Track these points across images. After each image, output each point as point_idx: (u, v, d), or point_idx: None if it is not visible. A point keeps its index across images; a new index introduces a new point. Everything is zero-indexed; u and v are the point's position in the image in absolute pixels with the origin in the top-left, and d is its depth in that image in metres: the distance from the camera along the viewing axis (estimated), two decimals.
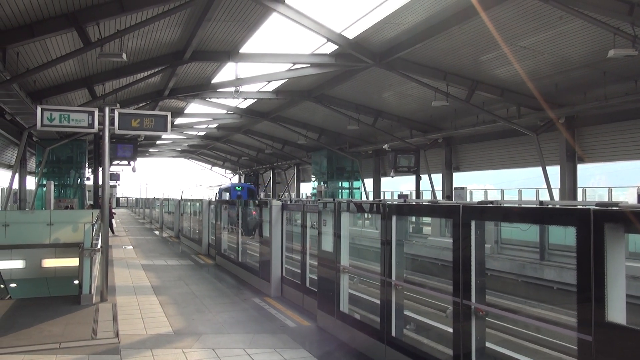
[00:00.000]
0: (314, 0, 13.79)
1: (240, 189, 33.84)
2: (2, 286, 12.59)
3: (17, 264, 15.22)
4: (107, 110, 9.09)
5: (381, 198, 29.09)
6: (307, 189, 41.00)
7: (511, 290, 12.83)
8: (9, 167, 26.87)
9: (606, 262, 3.62)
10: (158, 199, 37.95)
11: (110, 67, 16.78)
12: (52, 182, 22.66)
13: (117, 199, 75.00)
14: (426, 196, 25.59)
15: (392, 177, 25.15)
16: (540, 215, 4.71)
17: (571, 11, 11.20)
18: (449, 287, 6.52)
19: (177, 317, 8.40)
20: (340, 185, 33.39)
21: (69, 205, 26.20)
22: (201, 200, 18.43)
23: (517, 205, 4.91)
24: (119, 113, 9.20)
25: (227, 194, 32.38)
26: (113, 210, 27.07)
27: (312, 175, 35.14)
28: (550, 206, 4.78)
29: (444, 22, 13.47)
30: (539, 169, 18.72)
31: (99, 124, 9.08)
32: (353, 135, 28.84)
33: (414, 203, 7.13)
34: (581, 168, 18.37)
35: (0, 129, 19.09)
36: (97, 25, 12.26)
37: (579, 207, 4.07)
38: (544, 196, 19.63)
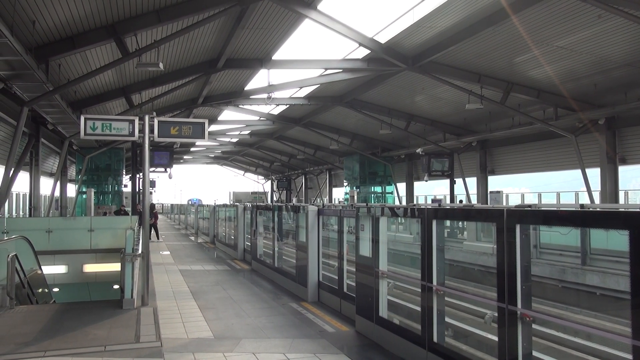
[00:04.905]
0: (345, 5, 13.86)
1: (196, 199, 58.49)
2: (47, 290, 12.97)
3: (60, 269, 15.69)
4: (147, 118, 9.29)
5: (415, 202, 28.85)
6: (340, 194, 41.00)
7: (552, 296, 12.52)
8: (50, 175, 27.76)
9: None
10: (193, 204, 38.62)
11: (146, 76, 17.19)
12: (92, 190, 23.26)
13: (153, 205, 76.58)
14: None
15: (426, 181, 24.91)
16: (589, 218, 4.58)
17: (610, 9, 10.93)
18: (488, 292, 6.40)
19: (217, 321, 8.50)
20: (372, 190, 33.28)
21: (107, 211, 26.85)
22: (236, 205, 18.63)
23: (567, 209, 4.79)
24: (159, 121, 9.39)
25: (191, 202, 53.02)
26: (158, 215, 27.46)
27: (345, 180, 35.13)
28: (597, 209, 4.66)
29: (477, 24, 13.33)
30: (578, 172, 18.26)
31: (139, 132, 9.29)
32: (385, 140, 28.74)
33: (453, 207, 7.03)
34: (622, 170, 17.84)
35: (42, 138, 19.72)
36: (134, 36, 12.60)
37: (633, 210, 3.95)
38: (584, 199, 19.14)
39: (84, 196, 27.24)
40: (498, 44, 14.59)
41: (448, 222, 15.65)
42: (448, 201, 24.39)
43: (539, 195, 23.14)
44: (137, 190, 24.99)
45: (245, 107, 24.89)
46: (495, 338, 5.16)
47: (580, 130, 17.84)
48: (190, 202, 53.10)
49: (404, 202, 30.68)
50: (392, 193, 32.88)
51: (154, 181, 39.80)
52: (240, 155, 48.69)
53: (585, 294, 12.58)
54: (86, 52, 13.52)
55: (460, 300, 8.84)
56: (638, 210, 3.76)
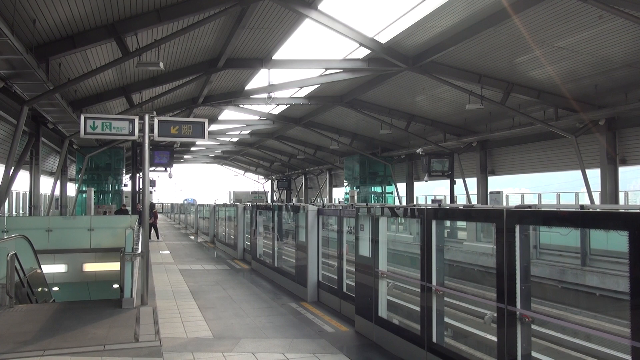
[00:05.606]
0: (346, 5, 13.84)
1: (191, 199, 62.90)
2: (46, 290, 12.97)
3: (60, 268, 15.69)
4: (147, 118, 9.29)
5: (415, 203, 28.83)
6: (340, 194, 40.99)
7: (551, 297, 12.52)
8: (50, 174, 27.75)
9: None
10: (192, 204, 38.66)
11: (147, 76, 17.19)
12: (92, 189, 23.23)
13: (153, 205, 76.77)
14: (460, 201, 25.25)
15: (426, 181, 24.88)
16: (589, 219, 4.58)
17: (611, 10, 10.91)
18: (488, 293, 6.40)
19: (216, 321, 8.50)
20: (372, 190, 33.26)
21: (107, 210, 26.83)
22: (236, 205, 18.64)
23: (567, 210, 4.78)
24: (159, 120, 9.38)
25: (186, 201, 57.43)
26: (158, 214, 27.55)
27: (345, 180, 35.11)
28: (597, 210, 4.66)
29: (478, 24, 13.31)
30: (578, 172, 18.24)
31: (139, 131, 9.28)
32: (386, 140, 28.73)
33: (453, 207, 7.02)
34: (623, 171, 17.83)
35: (43, 137, 19.71)
36: (135, 35, 12.59)
37: (632, 210, 3.95)
38: (584, 200, 19.12)
39: (84, 195, 27.22)
40: (499, 45, 14.58)
41: (448, 222, 15.65)
42: (448, 201, 24.37)
43: (539, 196, 23.11)
44: (137, 189, 24.98)
45: (245, 106, 24.88)
46: (495, 338, 5.15)
47: (580, 130, 17.83)
48: (186, 202, 54.85)
49: (404, 203, 30.66)
50: (392, 193, 32.85)
51: (154, 180, 39.81)
52: (241, 154, 48.68)
53: (585, 294, 12.57)
54: (86, 51, 13.52)
55: (460, 301, 8.84)
56: (638, 211, 3.75)
